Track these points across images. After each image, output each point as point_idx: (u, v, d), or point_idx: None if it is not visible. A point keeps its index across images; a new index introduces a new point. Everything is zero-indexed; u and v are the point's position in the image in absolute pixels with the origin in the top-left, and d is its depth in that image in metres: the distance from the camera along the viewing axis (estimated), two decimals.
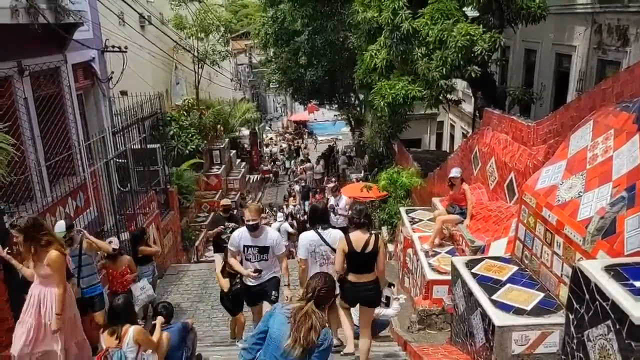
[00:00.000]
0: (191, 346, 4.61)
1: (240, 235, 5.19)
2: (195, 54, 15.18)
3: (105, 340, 3.65)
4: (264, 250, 5.11)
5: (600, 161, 4.20)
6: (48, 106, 8.04)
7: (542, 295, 4.26)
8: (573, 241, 3.91)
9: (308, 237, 4.85)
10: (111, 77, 9.87)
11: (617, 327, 2.26)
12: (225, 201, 8.65)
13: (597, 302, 2.41)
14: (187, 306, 8.32)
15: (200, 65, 15.65)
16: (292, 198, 15.18)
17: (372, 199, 11.74)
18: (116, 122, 9.39)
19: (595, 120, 4.69)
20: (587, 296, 2.53)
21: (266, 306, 5.15)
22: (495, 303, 4.16)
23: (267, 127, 36.56)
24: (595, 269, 2.52)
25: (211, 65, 16.15)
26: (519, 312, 4.01)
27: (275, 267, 5.30)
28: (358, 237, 4.32)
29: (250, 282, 5.22)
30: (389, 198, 10.91)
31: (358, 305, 4.69)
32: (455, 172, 6.85)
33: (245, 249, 5.13)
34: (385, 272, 4.65)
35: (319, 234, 4.75)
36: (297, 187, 18.01)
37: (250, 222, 4.96)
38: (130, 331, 3.63)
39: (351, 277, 4.40)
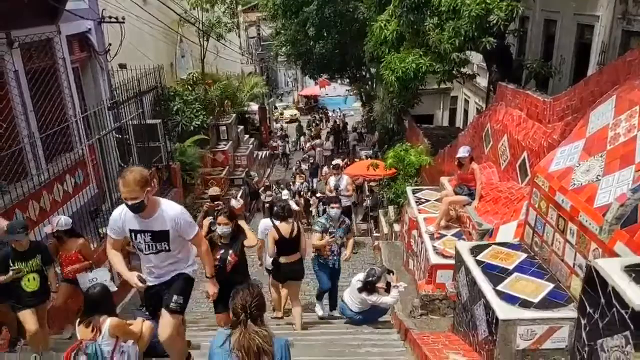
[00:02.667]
0: None
1: (123, 214, 3.47)
2: (200, 26, 14.71)
3: (80, 332, 3.41)
4: (161, 236, 3.49)
5: (622, 141, 3.79)
6: (41, 79, 7.76)
7: (551, 286, 3.93)
8: (588, 230, 3.54)
9: (265, 222, 6.00)
10: (109, 50, 9.54)
11: (637, 340, 1.92)
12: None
13: (614, 309, 2.06)
14: None
15: (205, 38, 15.18)
16: (298, 176, 14.83)
17: (379, 177, 11.40)
18: (115, 95, 9.10)
19: (619, 95, 4.25)
20: (602, 300, 2.18)
21: (164, 315, 3.64)
22: (500, 294, 3.85)
23: (277, 103, 36.02)
24: (613, 269, 2.16)
25: (216, 38, 15.67)
26: (525, 304, 3.70)
27: (185, 260, 3.71)
28: (285, 227, 5.44)
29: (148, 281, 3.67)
30: (398, 176, 10.54)
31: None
32: (463, 152, 6.44)
33: (133, 235, 3.51)
34: (307, 248, 5.74)
35: (273, 222, 5.66)
36: (304, 166, 17.62)
37: (129, 202, 3.25)
38: (107, 324, 3.39)
39: (282, 259, 5.51)
